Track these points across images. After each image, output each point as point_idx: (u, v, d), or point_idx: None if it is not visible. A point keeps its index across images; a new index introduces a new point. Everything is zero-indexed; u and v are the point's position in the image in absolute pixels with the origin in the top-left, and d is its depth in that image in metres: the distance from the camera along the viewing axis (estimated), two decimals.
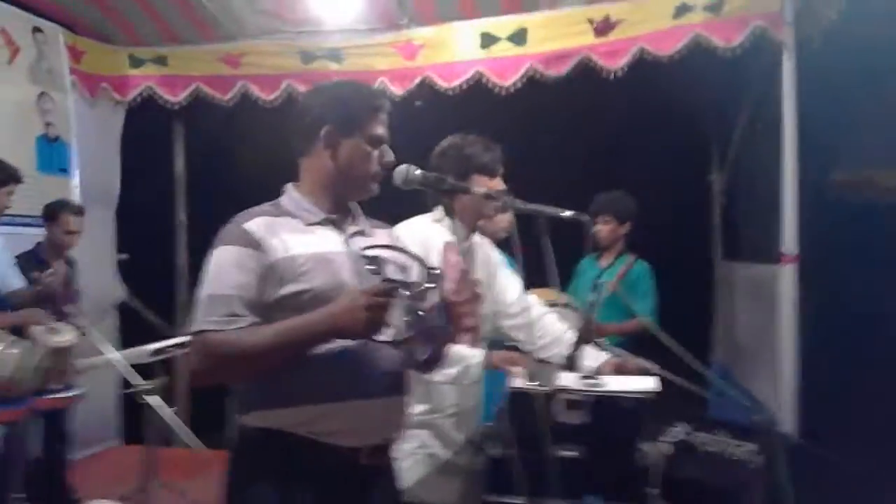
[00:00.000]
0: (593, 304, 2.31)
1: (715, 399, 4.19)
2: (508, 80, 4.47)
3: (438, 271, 1.73)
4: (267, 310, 1.70)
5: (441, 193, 1.87)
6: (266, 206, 1.83)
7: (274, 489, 1.70)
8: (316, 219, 1.82)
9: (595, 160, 5.34)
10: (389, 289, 1.62)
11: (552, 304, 3.06)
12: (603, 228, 4.21)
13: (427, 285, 1.71)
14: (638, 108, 5.04)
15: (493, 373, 2.52)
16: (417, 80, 4.66)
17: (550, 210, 2.56)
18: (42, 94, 4.72)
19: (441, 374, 2.43)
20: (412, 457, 2.49)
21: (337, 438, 1.71)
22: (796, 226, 3.95)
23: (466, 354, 2.45)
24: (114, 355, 3.20)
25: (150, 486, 3.13)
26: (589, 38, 4.33)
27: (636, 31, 4.24)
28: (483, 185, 2.48)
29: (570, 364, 2.29)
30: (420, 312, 1.70)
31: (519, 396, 2.03)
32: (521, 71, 4.44)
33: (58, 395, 3.24)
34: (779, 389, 3.95)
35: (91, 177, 5.09)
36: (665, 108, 5.01)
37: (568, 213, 2.54)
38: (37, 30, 4.66)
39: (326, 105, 1.83)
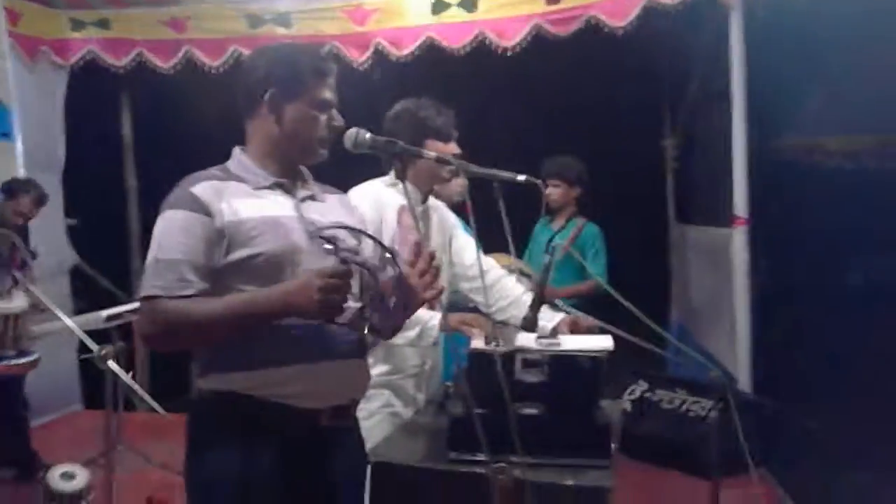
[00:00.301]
0: (548, 266, 2.33)
1: (673, 358, 4.34)
2: (458, 45, 4.45)
3: (393, 250, 1.73)
4: (217, 275, 1.68)
5: (394, 157, 1.85)
6: (214, 171, 1.79)
7: (234, 451, 1.70)
8: (265, 183, 1.79)
9: (549, 125, 5.37)
10: (345, 271, 1.59)
11: (509, 271, 3.10)
12: (553, 192, 4.27)
13: (383, 263, 1.71)
14: (590, 74, 5.06)
15: (452, 335, 2.55)
16: (370, 47, 4.61)
17: (505, 174, 2.58)
18: None
19: (400, 337, 2.45)
20: (376, 416, 2.52)
21: (297, 400, 1.71)
22: (747, 189, 4.04)
23: (424, 317, 2.47)
24: (68, 321, 3.14)
25: (112, 451, 3.11)
26: (539, 6, 4.32)
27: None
28: (437, 149, 2.47)
29: (528, 325, 2.31)
30: (376, 291, 1.70)
31: (478, 357, 2.04)
32: (471, 37, 4.42)
33: (12, 362, 3.16)
34: (734, 347, 4.08)
35: (34, 142, 4.96)
36: (617, 74, 5.05)
37: (522, 178, 2.56)
38: None
39: (270, 68, 1.79)
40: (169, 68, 4.93)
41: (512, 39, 4.38)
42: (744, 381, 4.01)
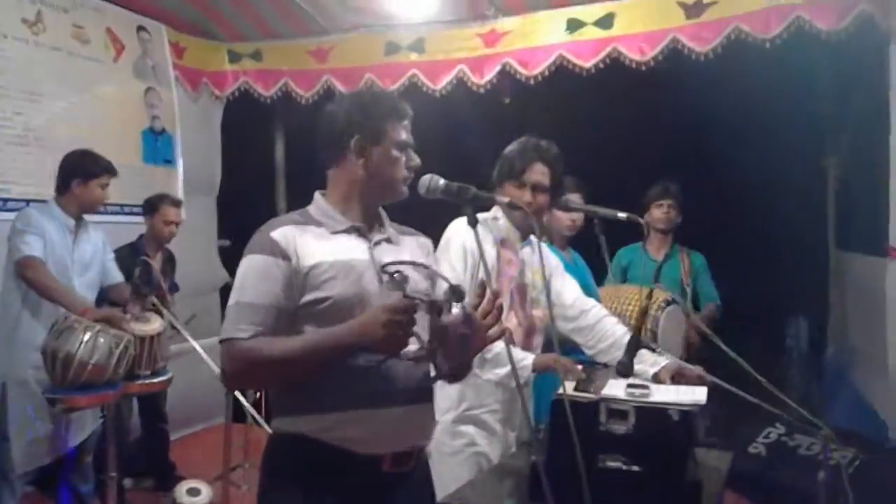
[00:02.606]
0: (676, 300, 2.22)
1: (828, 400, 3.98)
2: (589, 62, 4.35)
3: (461, 286, 1.71)
4: (292, 317, 1.73)
5: (467, 203, 1.86)
6: (294, 215, 1.87)
7: (297, 493, 1.73)
8: (341, 227, 1.83)
9: (688, 144, 5.15)
10: (409, 305, 1.60)
11: (667, 303, 2.99)
12: (671, 212, 4.18)
13: (450, 300, 1.69)
14: (734, 89, 4.78)
15: (545, 375, 2.48)
16: (497, 68, 4.59)
17: (605, 211, 2.52)
18: (148, 89, 4.95)
19: (491, 374, 2.43)
20: (460, 455, 2.50)
21: (357, 446, 1.72)
22: None
23: (517, 356, 2.42)
24: (195, 343, 3.34)
25: (229, 468, 3.28)
26: (679, 20, 4.14)
27: (730, 12, 4.02)
28: (511, 193, 2.52)
29: (623, 370, 2.20)
30: (442, 327, 1.69)
31: (561, 405, 1.97)
32: (604, 52, 4.31)
33: (147, 381, 3.40)
34: (889, 392, 3.71)
35: (193, 167, 5.32)
36: (766, 90, 4.75)
37: (623, 215, 2.48)
38: (141, 28, 4.89)
39: (353, 115, 1.85)
40: (310, 97, 5.14)
41: (647, 55, 4.24)
42: None
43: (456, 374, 1.87)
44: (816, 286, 5.60)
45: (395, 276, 1.71)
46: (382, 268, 1.75)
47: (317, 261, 1.74)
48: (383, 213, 1.94)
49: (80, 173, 3.54)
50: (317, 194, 1.91)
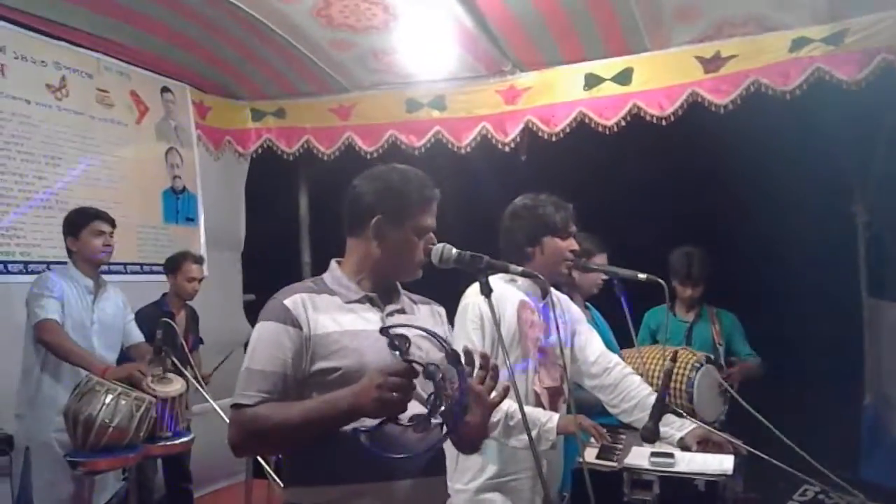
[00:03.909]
0: (669, 373, 2.16)
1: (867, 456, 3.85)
2: (611, 120, 4.33)
3: (463, 353, 1.67)
4: (300, 385, 1.73)
5: (479, 272, 1.84)
6: (308, 283, 1.87)
7: None
8: (355, 297, 1.84)
9: (714, 197, 5.11)
10: (405, 369, 1.58)
11: (700, 363, 2.93)
12: (694, 292, 4.11)
13: (452, 365, 1.66)
14: (755, 139, 4.76)
15: (572, 436, 2.41)
16: (520, 126, 4.60)
17: (625, 272, 2.49)
18: (170, 149, 5.01)
19: (517, 440, 2.37)
20: None
21: None
22: None
23: (541, 418, 2.37)
24: (213, 403, 3.31)
25: None
26: (697, 74, 4.13)
27: (749, 65, 4.01)
28: (554, 246, 2.51)
29: (647, 435, 2.14)
30: (444, 393, 1.65)
31: (581, 475, 1.91)
32: (625, 109, 4.30)
33: (168, 443, 3.38)
34: None
35: (218, 223, 5.37)
36: (789, 139, 4.72)
37: (643, 276, 2.45)
38: (165, 90, 4.97)
39: (379, 195, 1.85)
40: (330, 153, 5.16)
41: (666, 110, 4.22)
42: None
43: (468, 443, 1.81)
44: (850, 335, 5.48)
45: (395, 338, 1.68)
46: (382, 330, 1.72)
47: (328, 330, 1.75)
48: (398, 284, 1.93)
49: (69, 230, 3.58)
50: (333, 263, 1.92)
